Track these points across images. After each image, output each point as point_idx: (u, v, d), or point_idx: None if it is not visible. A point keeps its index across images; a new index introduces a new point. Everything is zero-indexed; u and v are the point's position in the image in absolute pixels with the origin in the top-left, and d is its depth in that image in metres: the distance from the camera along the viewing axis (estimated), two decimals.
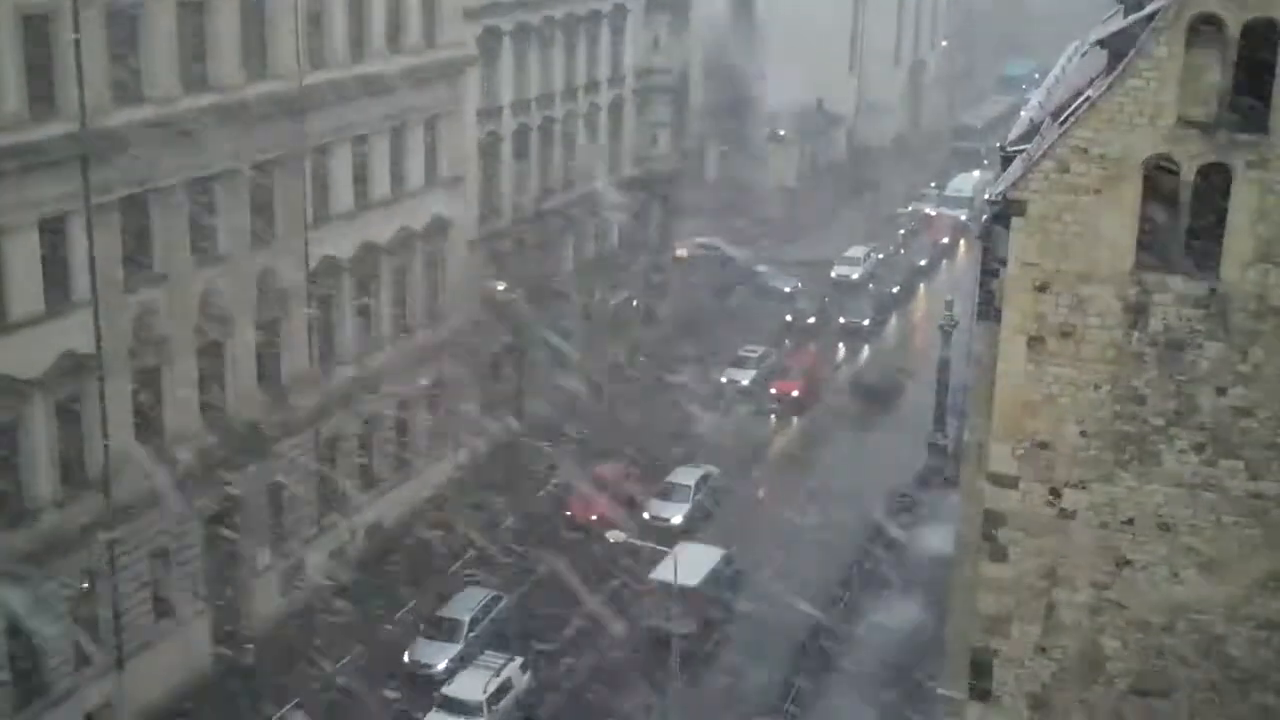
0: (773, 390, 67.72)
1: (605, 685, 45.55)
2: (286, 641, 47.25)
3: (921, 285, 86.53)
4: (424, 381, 55.87)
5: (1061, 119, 27.69)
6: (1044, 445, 26.70)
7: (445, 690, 43.48)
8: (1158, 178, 25.38)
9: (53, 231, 38.83)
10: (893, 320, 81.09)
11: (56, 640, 39.86)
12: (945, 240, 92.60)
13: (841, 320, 77.40)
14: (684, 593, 44.44)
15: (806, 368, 69.39)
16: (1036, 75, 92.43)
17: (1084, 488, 26.69)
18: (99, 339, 40.34)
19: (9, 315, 37.84)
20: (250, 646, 46.62)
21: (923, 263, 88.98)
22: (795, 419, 66.97)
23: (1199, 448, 26.03)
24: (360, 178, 51.42)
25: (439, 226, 55.92)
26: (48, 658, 39.78)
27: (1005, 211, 26.56)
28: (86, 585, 41.00)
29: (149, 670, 43.09)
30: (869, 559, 52.45)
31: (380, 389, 53.07)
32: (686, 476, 56.80)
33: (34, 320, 38.41)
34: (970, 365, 33.25)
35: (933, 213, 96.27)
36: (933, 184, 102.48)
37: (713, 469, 58.06)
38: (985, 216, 31.62)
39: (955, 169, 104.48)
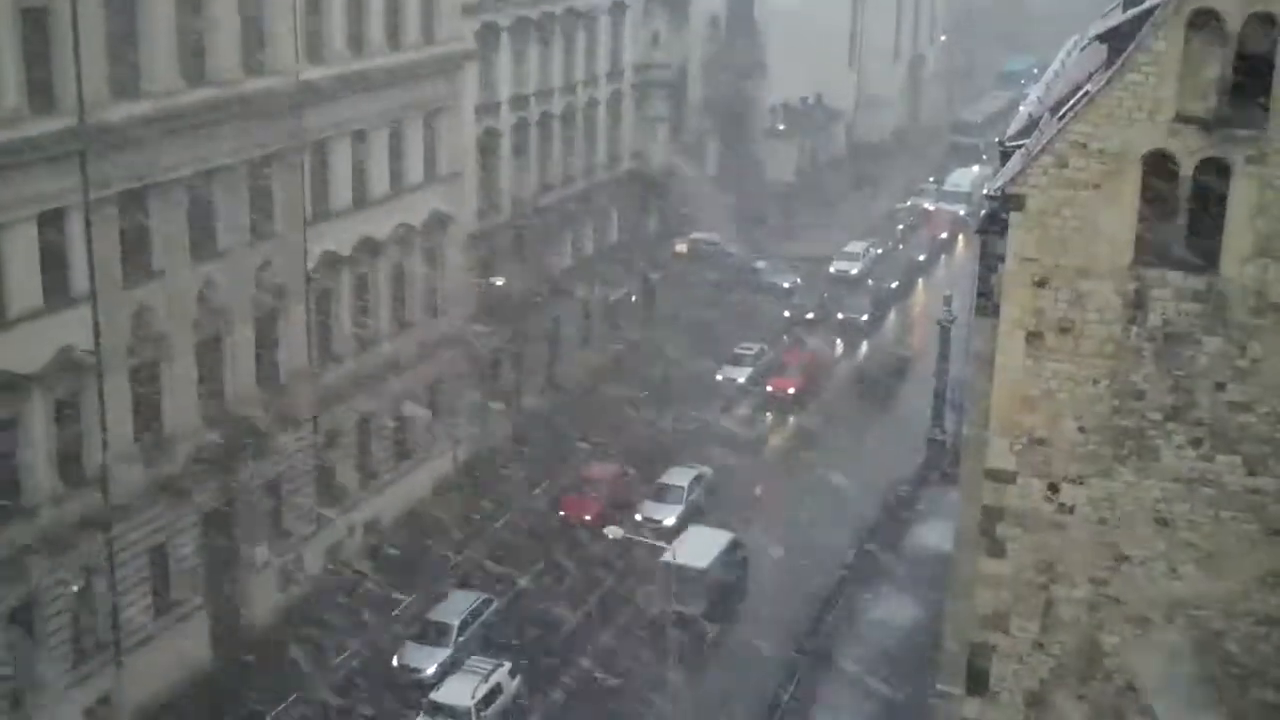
0: (769, 388, 67.57)
1: (601, 687, 45.22)
2: (285, 639, 47.14)
3: (920, 280, 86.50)
4: (423, 377, 55.86)
5: (1060, 114, 27.70)
6: (1042, 441, 26.72)
7: (433, 696, 42.94)
8: (1157, 173, 25.38)
9: (51, 227, 38.80)
10: (891, 316, 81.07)
11: (53, 637, 39.91)
12: (944, 235, 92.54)
13: (840, 316, 77.34)
14: (693, 574, 44.31)
15: (803, 365, 69.21)
16: (1036, 70, 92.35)
17: (1082, 483, 26.71)
18: (98, 335, 40.31)
19: (8, 311, 37.83)
20: (248, 643, 46.65)
21: (921, 258, 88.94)
22: (791, 417, 66.83)
23: (1197, 443, 26.04)
24: (359, 173, 51.42)
25: (437, 222, 55.89)
26: (46, 653, 39.79)
27: (1004, 206, 26.57)
28: (85, 581, 40.96)
29: (147, 666, 43.09)
30: (867, 556, 52.39)
31: (379, 385, 53.06)
32: (680, 477, 56.27)
33: (33, 316, 38.39)
34: (969, 361, 33.17)
35: (932, 208, 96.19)
36: (932, 179, 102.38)
37: (706, 469, 57.56)
38: (984, 212, 31.62)
39: (954, 164, 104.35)
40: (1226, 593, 26.39)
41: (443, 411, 57.16)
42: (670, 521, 53.36)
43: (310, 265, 48.93)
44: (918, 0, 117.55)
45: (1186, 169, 25.09)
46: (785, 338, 74.44)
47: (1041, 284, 26.11)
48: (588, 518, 53.94)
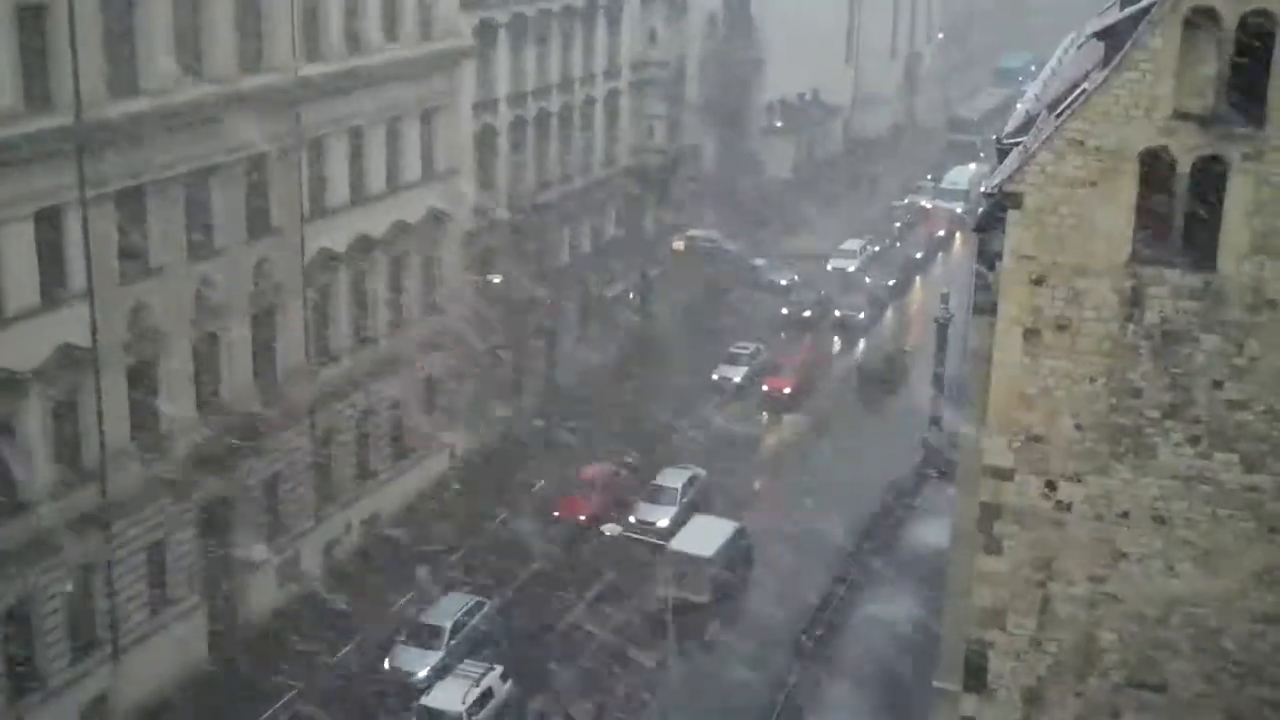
0: (765, 388, 67.41)
1: (597, 687, 45.12)
2: (282, 637, 47.13)
3: (918, 278, 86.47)
4: (420, 374, 55.84)
5: (1058, 111, 27.69)
6: (1040, 438, 26.73)
7: (424, 701, 42.62)
8: (1154, 170, 25.38)
9: (48, 224, 38.74)
10: (889, 313, 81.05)
11: (50, 634, 39.88)
12: (941, 233, 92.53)
13: (837, 313, 77.31)
14: (698, 562, 44.16)
15: (799, 364, 69.01)
16: (1033, 68, 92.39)
17: (1079, 481, 26.71)
18: (95, 332, 40.28)
19: (5, 308, 37.77)
20: (245, 641, 46.63)
21: (919, 255, 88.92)
22: (787, 416, 66.63)
23: (1194, 441, 26.06)
24: (356, 170, 51.38)
25: (435, 219, 55.85)
26: (43, 651, 39.76)
27: (1001, 204, 26.56)
28: (82, 579, 40.94)
29: (144, 663, 43.07)
30: (864, 554, 52.38)
31: (376, 382, 53.04)
32: (674, 479, 55.96)
33: (30, 313, 38.36)
34: (966, 358, 33.15)
35: (929, 205, 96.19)
36: (929, 177, 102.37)
37: (700, 471, 57.20)
38: (981, 209, 31.61)
39: (951, 162, 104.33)
40: (1224, 590, 26.40)
41: (439, 409, 57.14)
42: (664, 523, 53.07)
43: (307, 262, 48.89)
44: None
45: (1183, 166, 25.10)
46: (782, 335, 74.41)
47: (1039, 281, 26.11)
48: (582, 518, 53.93)
